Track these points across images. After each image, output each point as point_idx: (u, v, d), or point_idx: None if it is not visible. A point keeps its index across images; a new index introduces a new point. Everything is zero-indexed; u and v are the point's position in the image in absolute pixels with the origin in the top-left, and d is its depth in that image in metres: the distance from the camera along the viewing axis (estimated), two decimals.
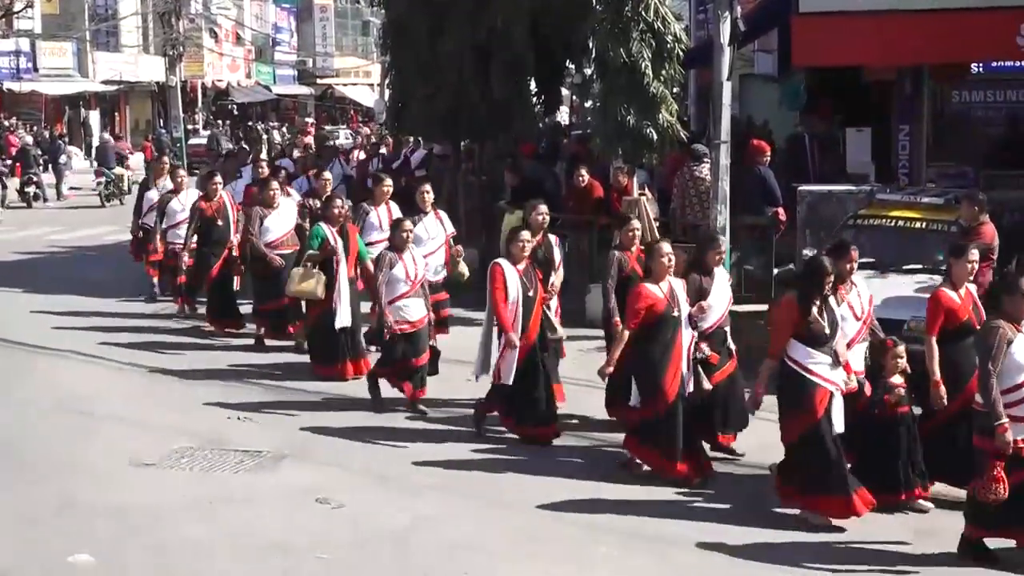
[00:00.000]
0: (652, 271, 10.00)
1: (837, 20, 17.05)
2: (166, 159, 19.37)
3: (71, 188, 35.96)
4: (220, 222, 15.67)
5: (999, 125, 19.06)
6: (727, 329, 10.56)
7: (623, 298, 10.52)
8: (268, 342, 14.74)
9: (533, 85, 20.07)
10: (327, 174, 17.22)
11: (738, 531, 8.90)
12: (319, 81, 75.78)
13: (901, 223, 13.82)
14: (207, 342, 15.13)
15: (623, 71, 15.20)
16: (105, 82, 50.34)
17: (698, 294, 10.22)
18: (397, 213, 13.88)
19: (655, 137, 15.38)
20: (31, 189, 32.63)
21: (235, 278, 15.82)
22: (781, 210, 16.14)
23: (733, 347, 10.57)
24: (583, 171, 16.78)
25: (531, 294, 10.87)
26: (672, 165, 17.92)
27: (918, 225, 13.69)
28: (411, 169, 23.15)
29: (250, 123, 61.23)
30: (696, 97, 28.94)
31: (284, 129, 58.63)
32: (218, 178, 16.36)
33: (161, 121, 52.83)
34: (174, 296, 16.73)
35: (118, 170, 34.39)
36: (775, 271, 15.28)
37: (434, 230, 13.62)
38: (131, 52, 53.70)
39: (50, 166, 35.88)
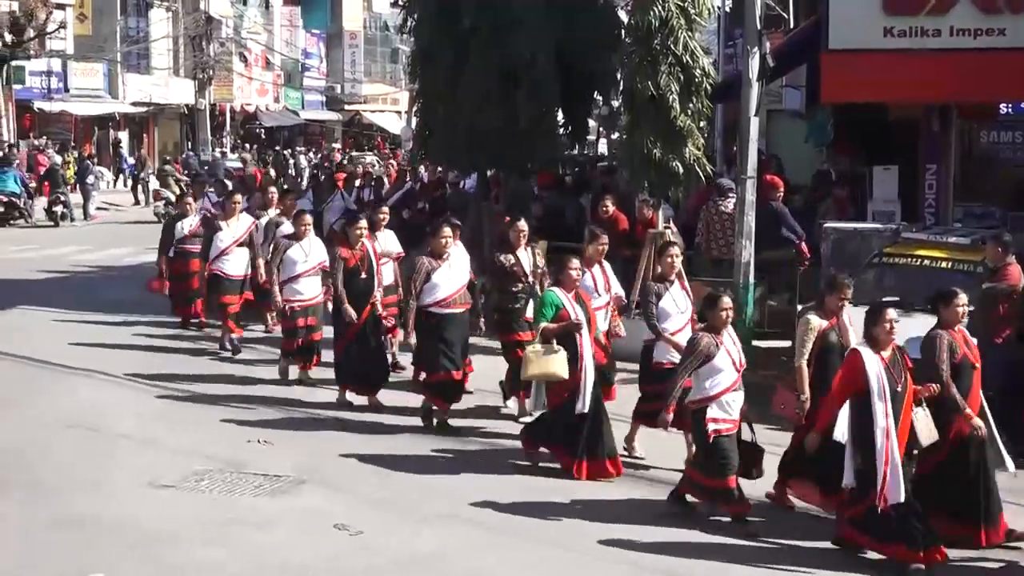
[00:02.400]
0: None
1: (866, 57, 17.04)
2: (239, 197, 16.82)
3: (98, 208, 36.22)
4: (364, 274, 13.08)
5: None
6: None
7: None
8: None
9: (560, 116, 20.09)
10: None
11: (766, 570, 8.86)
12: (347, 107, 76.10)
13: (927, 262, 13.76)
14: (229, 364, 15.14)
15: (651, 104, 15.21)
16: (135, 104, 50.66)
17: None
18: (613, 276, 12.31)
19: (681, 170, 15.37)
20: (58, 208, 32.83)
21: (388, 338, 13.91)
22: (804, 245, 16.14)
23: None
24: (607, 202, 16.77)
25: (899, 389, 8.94)
26: (696, 199, 17.92)
27: (944, 265, 13.63)
28: (414, 202, 22.50)
29: (276, 147, 61.48)
30: (723, 132, 28.96)
31: (311, 154, 58.80)
32: (363, 222, 13.49)
33: (189, 144, 53.13)
34: (290, 357, 14.16)
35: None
36: (799, 307, 15.24)
37: (683, 303, 11.32)
38: (161, 75, 54.08)
39: (78, 186, 36.10)
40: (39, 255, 25.61)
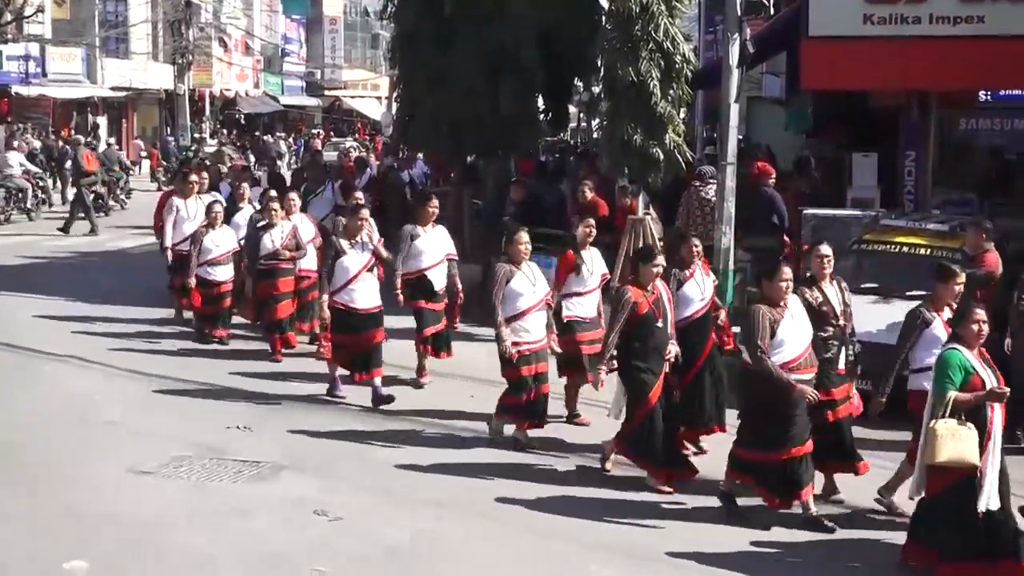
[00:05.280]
0: None
1: (846, 45, 17.09)
2: (366, 213, 13.17)
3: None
4: (659, 322, 10.18)
5: (1006, 153, 19.13)
6: None
7: None
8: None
9: (541, 102, 20.09)
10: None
11: (749, 554, 8.87)
12: (327, 93, 75.96)
13: (905, 249, 13.82)
14: (209, 350, 15.10)
15: (631, 90, 15.22)
16: (114, 88, 50.41)
17: None
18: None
19: (661, 157, 15.39)
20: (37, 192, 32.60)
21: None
22: (785, 232, 16.18)
23: None
24: (585, 188, 16.76)
25: None
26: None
27: (922, 251, 13.68)
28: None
29: (256, 133, 61.28)
30: (703, 118, 29.02)
31: (291, 139, 58.68)
32: (660, 258, 10.40)
33: (168, 129, 52.92)
34: (509, 415, 11.33)
35: None
36: None
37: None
38: (140, 59, 53.80)
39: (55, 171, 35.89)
40: (16, 240, 25.46)
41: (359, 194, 15.49)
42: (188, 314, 16.29)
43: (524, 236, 11.31)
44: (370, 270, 12.63)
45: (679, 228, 16.44)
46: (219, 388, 13.31)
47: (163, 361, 14.47)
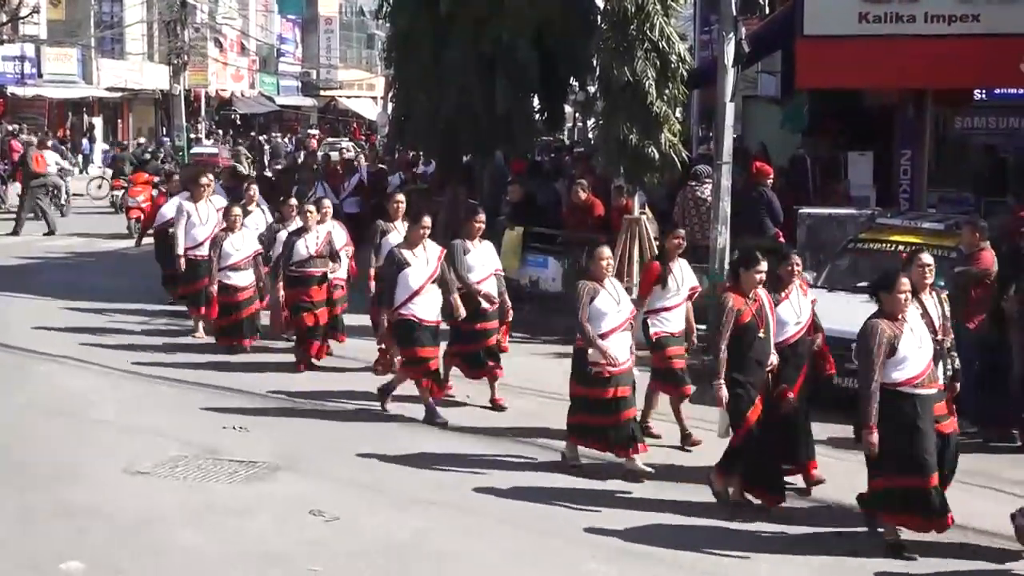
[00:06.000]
0: None
1: (841, 44, 17.11)
2: (427, 220, 12.38)
3: (72, 194, 35.99)
4: (761, 332, 9.57)
5: (1002, 151, 19.16)
6: None
7: None
8: None
9: (536, 102, 20.10)
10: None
11: (733, 552, 8.87)
12: (323, 93, 75.96)
13: (901, 248, 13.81)
14: (204, 350, 15.08)
15: (626, 90, 15.23)
16: (109, 89, 50.39)
17: None
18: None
19: (656, 157, 15.39)
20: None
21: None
22: (779, 232, 16.18)
23: None
24: (579, 188, 16.76)
25: None
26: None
27: None
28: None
29: (252, 133, 61.23)
30: (699, 118, 29.04)
31: (287, 139, 58.62)
32: (763, 264, 9.66)
33: (164, 129, 52.90)
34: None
35: None
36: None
37: None
38: (136, 60, 53.77)
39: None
40: (10, 241, 25.43)
41: (399, 196, 14.45)
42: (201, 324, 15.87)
43: (606, 252, 10.47)
44: (434, 282, 12.08)
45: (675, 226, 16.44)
46: (216, 388, 13.30)
47: (160, 361, 14.46)
